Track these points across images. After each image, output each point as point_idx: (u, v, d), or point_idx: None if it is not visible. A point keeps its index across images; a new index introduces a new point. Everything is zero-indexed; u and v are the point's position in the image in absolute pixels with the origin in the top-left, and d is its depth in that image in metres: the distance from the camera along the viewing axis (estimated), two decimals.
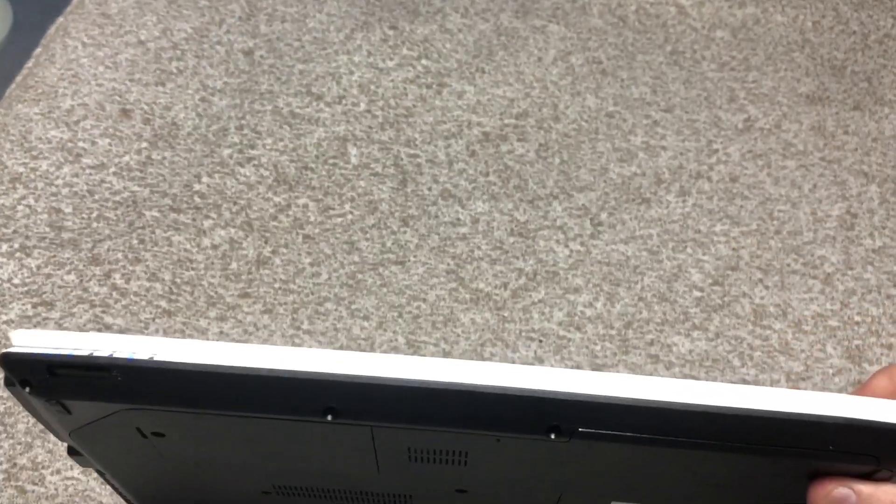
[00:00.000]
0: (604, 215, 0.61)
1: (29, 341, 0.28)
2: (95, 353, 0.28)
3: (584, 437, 0.28)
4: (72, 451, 0.34)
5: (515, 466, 0.32)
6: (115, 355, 0.28)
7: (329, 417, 0.27)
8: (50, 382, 0.28)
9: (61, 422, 0.31)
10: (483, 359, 0.53)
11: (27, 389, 0.28)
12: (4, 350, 0.28)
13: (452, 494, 0.35)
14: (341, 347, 0.53)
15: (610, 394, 0.27)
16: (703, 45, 0.76)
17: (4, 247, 0.56)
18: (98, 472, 0.37)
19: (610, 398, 0.27)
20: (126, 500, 0.40)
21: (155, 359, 0.27)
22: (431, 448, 0.30)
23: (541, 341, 0.54)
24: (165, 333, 0.52)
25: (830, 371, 0.53)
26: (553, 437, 0.27)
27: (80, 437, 0.32)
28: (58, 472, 0.47)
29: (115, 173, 0.61)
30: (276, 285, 0.55)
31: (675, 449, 0.28)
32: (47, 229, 0.57)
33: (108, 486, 0.46)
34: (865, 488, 0.28)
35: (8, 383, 0.29)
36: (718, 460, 0.29)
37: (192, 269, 0.55)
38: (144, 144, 0.63)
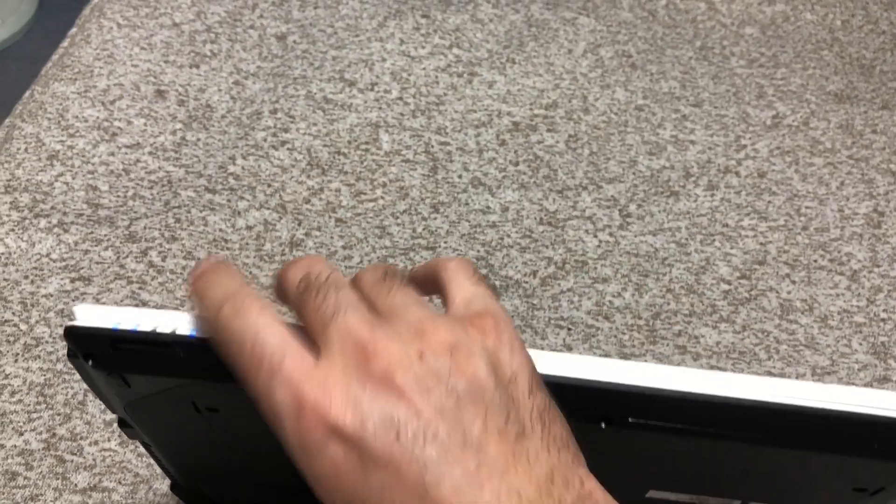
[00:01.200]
0: (632, 207, 0.62)
1: (92, 316, 0.29)
2: (158, 330, 0.28)
3: (634, 427, 0.28)
4: (122, 423, 0.35)
5: None
6: (178, 332, 0.28)
7: None
8: (113, 356, 0.29)
9: (119, 394, 0.32)
10: None
11: (90, 362, 0.29)
12: (69, 323, 0.29)
13: None
14: None
15: (662, 385, 0.27)
16: (733, 41, 0.76)
17: (43, 222, 0.57)
18: (144, 444, 0.38)
19: (661, 390, 0.27)
20: (167, 473, 0.41)
21: None
22: None
23: (569, 329, 0.54)
24: None
25: (856, 366, 0.54)
26: (604, 426, 0.28)
27: (135, 409, 0.33)
28: (95, 443, 0.48)
29: (150, 153, 0.62)
30: None
31: (722, 441, 0.29)
32: (84, 206, 0.58)
33: (145, 459, 0.47)
34: None
35: (71, 355, 0.29)
36: (763, 454, 0.30)
37: (227, 248, 0.56)
38: (179, 125, 0.64)
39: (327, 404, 0.23)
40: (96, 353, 0.29)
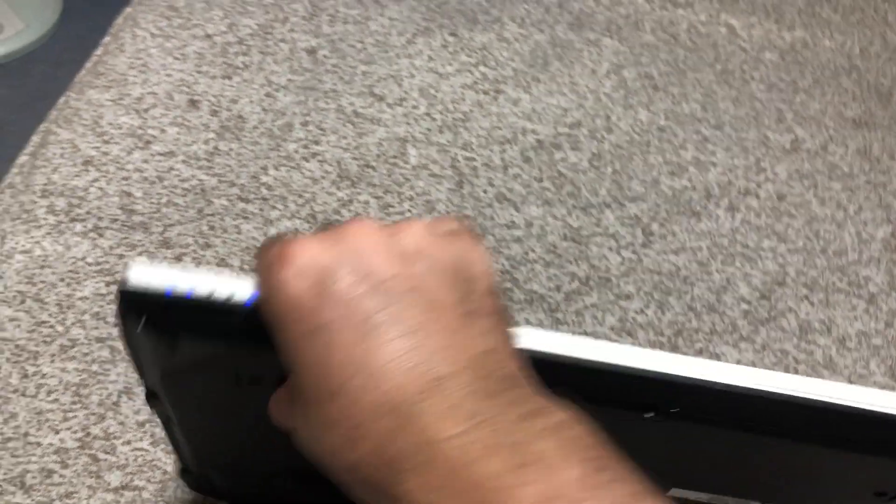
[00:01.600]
0: (655, 226, 0.63)
1: (147, 274, 0.28)
2: (215, 294, 0.28)
3: (677, 417, 0.29)
4: (150, 395, 0.34)
5: None
6: (234, 298, 0.28)
7: None
8: (167, 317, 0.28)
9: (159, 362, 0.31)
10: None
11: (143, 319, 0.28)
12: (124, 282, 0.28)
13: None
14: None
15: (707, 377, 0.28)
16: (753, 65, 0.78)
17: (78, 226, 0.58)
18: (165, 422, 0.37)
19: (708, 382, 0.28)
20: (180, 456, 0.40)
21: None
22: None
23: None
24: None
25: (874, 388, 0.55)
26: (649, 415, 0.29)
27: (170, 379, 0.32)
28: (128, 443, 0.49)
29: (183, 161, 0.63)
30: None
31: (755, 436, 0.30)
32: (119, 212, 0.60)
33: (174, 455, 0.48)
34: None
35: (123, 314, 0.28)
36: (791, 451, 0.31)
37: None
38: (212, 135, 0.65)
39: (305, 252, 0.26)
40: (149, 312, 0.28)
